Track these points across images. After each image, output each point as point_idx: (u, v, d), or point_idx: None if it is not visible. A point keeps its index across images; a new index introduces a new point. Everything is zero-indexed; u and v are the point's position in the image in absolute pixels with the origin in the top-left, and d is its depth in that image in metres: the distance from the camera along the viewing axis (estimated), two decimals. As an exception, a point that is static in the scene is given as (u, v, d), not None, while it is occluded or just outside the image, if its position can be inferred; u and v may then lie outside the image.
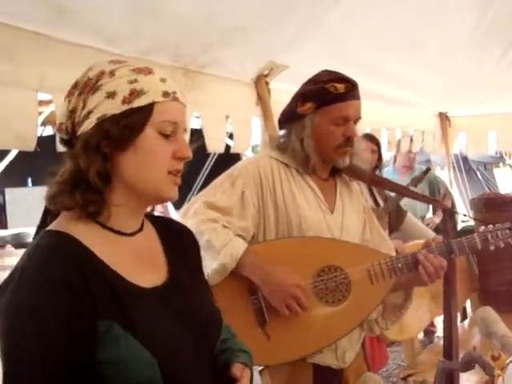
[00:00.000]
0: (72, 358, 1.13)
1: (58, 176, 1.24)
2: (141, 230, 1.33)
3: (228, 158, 3.46)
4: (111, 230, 1.26)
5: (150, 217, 1.40)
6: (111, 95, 1.21)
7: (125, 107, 1.20)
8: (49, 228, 1.25)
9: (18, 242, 7.62)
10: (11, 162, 9.06)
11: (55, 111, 2.40)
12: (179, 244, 1.42)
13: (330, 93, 2.08)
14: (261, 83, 3.48)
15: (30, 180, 13.32)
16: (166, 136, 1.24)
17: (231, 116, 3.48)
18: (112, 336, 1.15)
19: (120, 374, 1.15)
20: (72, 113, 1.24)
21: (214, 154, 6.30)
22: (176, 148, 1.26)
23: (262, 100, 3.51)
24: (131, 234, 1.30)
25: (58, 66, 2.30)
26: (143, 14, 2.43)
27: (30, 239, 7.66)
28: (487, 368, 1.31)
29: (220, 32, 2.77)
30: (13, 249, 7.41)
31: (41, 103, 2.35)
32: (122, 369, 1.15)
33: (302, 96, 2.15)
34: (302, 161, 2.15)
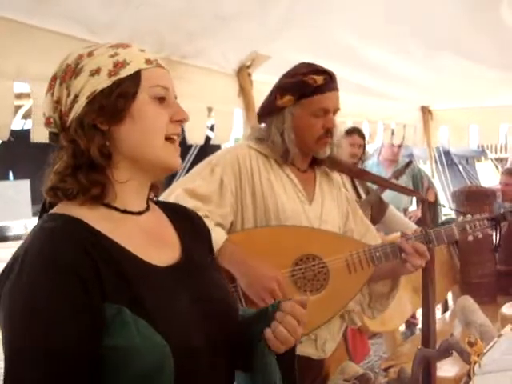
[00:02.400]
0: (81, 348, 1.09)
1: (56, 167, 1.21)
2: (147, 209, 1.30)
3: (210, 151, 3.45)
4: (117, 209, 1.23)
5: (156, 202, 1.37)
6: (96, 72, 1.19)
7: (112, 79, 1.19)
8: (51, 212, 1.21)
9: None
10: (-8, 156, 9.00)
11: (32, 101, 2.36)
12: (190, 226, 1.39)
13: (308, 85, 2.09)
14: (243, 74, 3.47)
15: (11, 173, 13.22)
16: (159, 100, 1.23)
17: (213, 107, 3.47)
18: (121, 321, 1.11)
19: (129, 361, 1.11)
20: (57, 103, 1.22)
21: (196, 146, 6.28)
22: (172, 112, 1.25)
23: (244, 91, 3.50)
24: (139, 213, 1.26)
25: (36, 56, 2.27)
26: (125, 2, 2.41)
27: (11, 232, 7.63)
28: (464, 354, 1.31)
29: (202, 21, 2.76)
30: (-6, 242, 7.35)
31: (22, 96, 2.32)
32: (131, 355, 1.11)
33: (280, 89, 2.16)
34: (281, 153, 2.16)
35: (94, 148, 1.18)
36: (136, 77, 1.21)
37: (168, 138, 1.24)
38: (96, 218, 1.19)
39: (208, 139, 3.64)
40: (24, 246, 1.14)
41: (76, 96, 1.19)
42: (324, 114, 2.12)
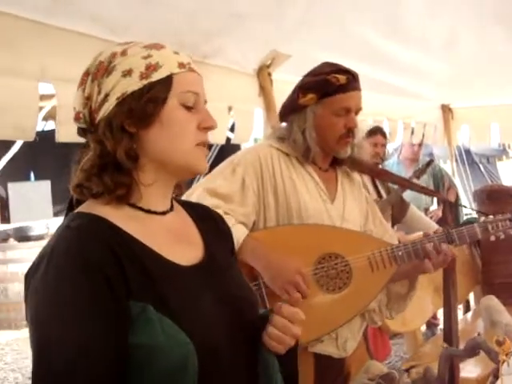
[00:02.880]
0: (108, 344, 1.10)
1: (82, 164, 1.21)
2: (171, 209, 1.30)
3: (230, 150, 3.45)
4: (142, 209, 1.24)
5: (179, 201, 1.38)
6: (128, 73, 1.19)
7: (144, 82, 1.19)
8: (77, 210, 1.22)
9: (20, 235, 7.62)
10: (14, 157, 9.07)
11: (56, 101, 2.38)
12: (213, 225, 1.40)
13: (331, 84, 2.10)
14: (263, 74, 3.47)
15: (32, 174, 13.33)
16: (188, 108, 1.23)
17: (234, 107, 3.46)
18: (146, 319, 1.12)
19: (153, 358, 1.12)
20: (88, 100, 1.22)
21: (216, 145, 6.28)
22: (200, 119, 1.24)
23: (265, 91, 3.49)
24: (163, 213, 1.27)
25: (59, 56, 2.29)
26: (144, 2, 2.42)
27: (33, 232, 7.68)
28: (492, 354, 1.29)
29: (221, 21, 2.76)
30: (16, 242, 7.41)
31: (43, 97, 2.34)
32: (156, 352, 1.11)
33: (303, 87, 2.16)
34: (302, 151, 2.16)
35: (121, 151, 1.19)
36: (167, 81, 1.20)
37: (197, 144, 1.24)
38: (121, 217, 1.20)
39: (227, 140, 3.64)
40: (50, 244, 1.15)
41: (106, 95, 1.20)
42: (346, 114, 2.12)
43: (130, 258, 1.15)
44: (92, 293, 1.10)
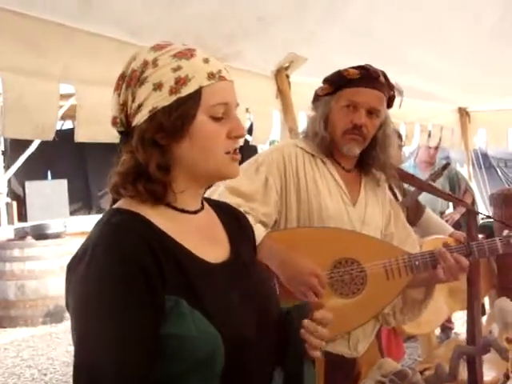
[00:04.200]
0: (145, 334, 1.15)
1: (119, 166, 1.26)
2: (202, 208, 1.35)
3: (246, 152, 3.47)
4: (176, 208, 1.28)
5: (205, 199, 1.41)
6: (158, 87, 1.22)
7: (173, 98, 1.21)
8: (115, 206, 1.27)
9: (38, 233, 7.69)
10: (31, 156, 9.18)
11: (77, 102, 2.42)
12: (237, 224, 1.44)
13: (343, 77, 2.13)
14: (281, 76, 3.48)
15: (49, 173, 13.46)
16: (218, 119, 1.25)
17: (251, 109, 3.49)
18: (178, 312, 1.17)
19: (183, 349, 1.17)
20: (123, 106, 1.26)
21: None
22: (230, 128, 1.27)
23: (282, 93, 3.51)
24: (195, 212, 1.32)
25: (81, 58, 2.33)
26: (166, 5, 2.45)
27: (49, 231, 7.75)
28: (503, 352, 1.31)
29: (241, 23, 2.79)
30: (33, 240, 7.49)
31: (61, 97, 2.38)
32: (187, 344, 1.16)
33: (323, 80, 2.21)
34: (318, 141, 2.18)
35: (153, 165, 1.22)
36: (196, 95, 1.23)
37: (227, 152, 1.27)
38: (156, 215, 1.25)
39: (245, 141, 3.67)
40: (92, 238, 1.20)
41: (140, 105, 1.23)
42: (354, 109, 2.12)
43: (165, 252, 1.20)
44: (129, 284, 1.15)
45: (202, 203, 1.36)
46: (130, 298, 1.15)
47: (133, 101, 1.24)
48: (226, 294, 1.26)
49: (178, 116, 1.22)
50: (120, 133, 1.30)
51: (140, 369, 1.14)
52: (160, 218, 1.25)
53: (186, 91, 1.22)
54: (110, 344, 1.13)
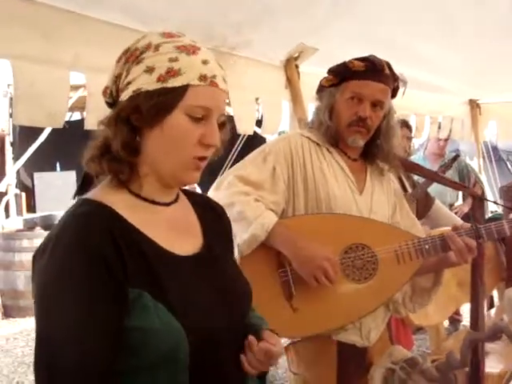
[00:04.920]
0: (107, 325, 1.15)
1: (94, 140, 1.26)
2: (176, 201, 1.34)
3: (256, 141, 3.48)
4: (145, 199, 1.28)
5: (183, 190, 1.41)
6: (149, 70, 1.21)
7: (158, 85, 1.21)
8: (84, 197, 1.27)
9: (46, 223, 7.73)
10: (40, 147, 9.19)
11: (87, 90, 2.43)
12: (213, 216, 1.44)
13: (348, 69, 2.14)
14: (290, 66, 3.48)
15: (58, 165, 13.50)
16: (195, 119, 1.23)
17: (261, 98, 3.48)
18: (142, 305, 1.17)
19: (148, 342, 1.17)
20: (117, 78, 1.26)
21: (243, 135, 6.32)
22: (204, 133, 1.24)
23: (292, 83, 3.50)
24: (167, 204, 1.31)
25: (91, 46, 2.33)
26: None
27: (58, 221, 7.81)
28: (513, 337, 1.30)
29: (250, 13, 2.77)
30: (42, 231, 7.52)
31: (70, 88, 2.38)
32: (151, 336, 1.16)
33: (328, 71, 2.22)
34: (323, 130, 2.19)
35: (118, 141, 1.22)
36: (181, 91, 1.21)
37: (194, 158, 1.25)
38: (125, 206, 1.24)
39: (255, 133, 3.67)
40: (56, 229, 1.20)
41: (129, 83, 1.23)
42: (359, 102, 2.13)
43: (129, 245, 1.19)
44: (89, 276, 1.15)
45: (178, 196, 1.35)
46: (90, 289, 1.14)
47: (126, 76, 1.24)
48: (193, 286, 1.25)
49: (156, 104, 1.20)
50: (108, 105, 1.30)
51: (100, 364, 1.14)
52: (128, 209, 1.24)
53: (172, 83, 1.21)
54: (70, 337, 1.12)
